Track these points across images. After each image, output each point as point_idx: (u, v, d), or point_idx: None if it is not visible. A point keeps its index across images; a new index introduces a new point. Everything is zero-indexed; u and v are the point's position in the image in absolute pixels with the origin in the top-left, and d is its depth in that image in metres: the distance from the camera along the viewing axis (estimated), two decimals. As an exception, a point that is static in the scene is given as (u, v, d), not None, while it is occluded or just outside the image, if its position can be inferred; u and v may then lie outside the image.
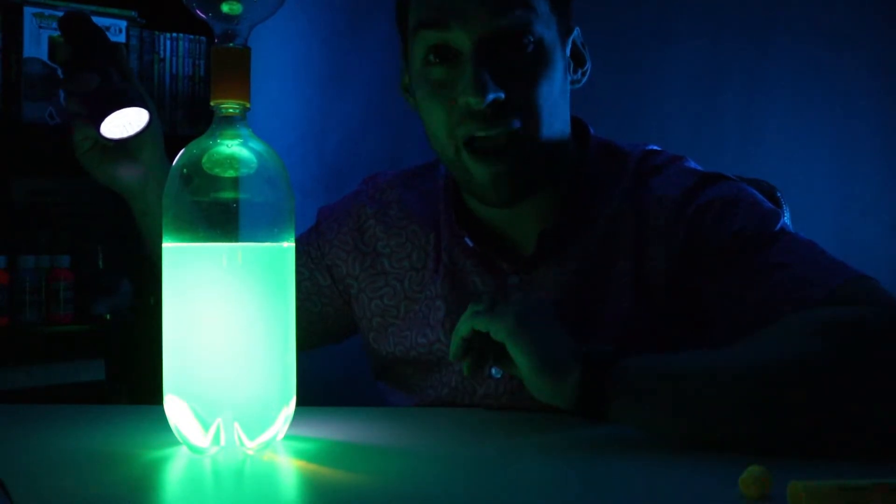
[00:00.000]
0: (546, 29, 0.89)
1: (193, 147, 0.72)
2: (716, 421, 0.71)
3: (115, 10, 1.89)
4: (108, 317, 1.93)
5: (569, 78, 0.95)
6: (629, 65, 2.13)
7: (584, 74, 0.98)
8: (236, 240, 0.69)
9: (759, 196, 0.94)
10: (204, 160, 0.71)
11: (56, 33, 1.78)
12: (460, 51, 0.87)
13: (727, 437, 0.70)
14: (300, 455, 0.72)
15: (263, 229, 0.71)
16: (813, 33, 2.12)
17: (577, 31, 0.97)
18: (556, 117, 0.91)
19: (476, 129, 0.87)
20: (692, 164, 0.99)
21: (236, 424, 0.69)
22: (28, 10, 1.79)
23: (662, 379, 0.73)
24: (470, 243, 0.97)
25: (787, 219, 1.15)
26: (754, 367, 0.72)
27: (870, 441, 0.71)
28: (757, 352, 0.74)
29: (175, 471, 0.68)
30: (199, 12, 0.71)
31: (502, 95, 0.86)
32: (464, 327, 0.79)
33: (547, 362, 0.73)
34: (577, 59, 0.97)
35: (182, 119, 2.00)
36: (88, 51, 0.92)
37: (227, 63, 0.71)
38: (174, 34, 1.99)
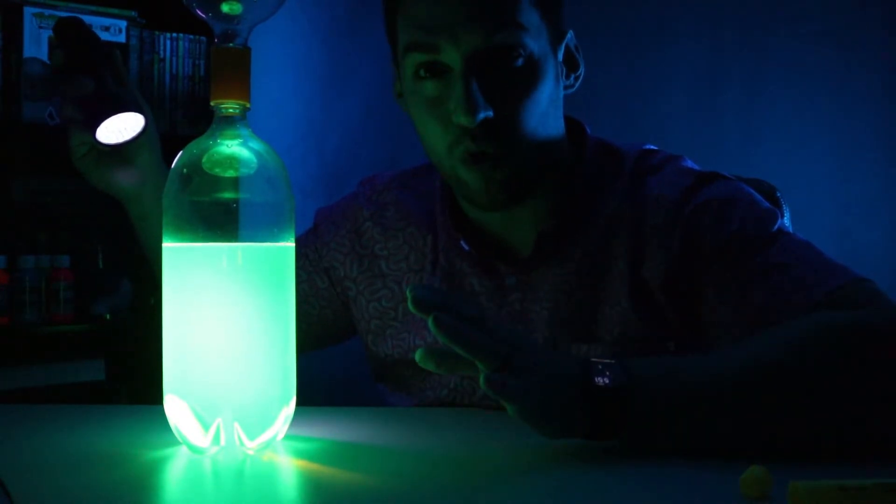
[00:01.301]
0: (537, 41, 0.89)
1: (193, 147, 0.72)
2: (726, 433, 0.71)
3: (115, 10, 1.89)
4: (108, 317, 1.93)
5: (561, 84, 0.95)
6: (629, 65, 2.13)
7: (577, 79, 0.98)
8: (236, 240, 0.69)
9: (757, 195, 0.94)
10: (204, 160, 0.71)
11: (57, 33, 1.78)
12: (451, 66, 0.87)
13: (736, 447, 0.69)
14: (300, 455, 0.72)
15: (263, 229, 0.71)
16: (813, 33, 2.12)
17: (570, 35, 0.96)
18: (546, 127, 0.91)
19: (469, 147, 0.88)
20: (689, 164, 0.99)
21: (236, 424, 0.69)
22: (28, 10, 1.79)
23: (672, 408, 0.70)
24: (466, 247, 0.97)
25: (787, 219, 1.15)
26: (759, 375, 0.71)
27: (870, 442, 0.71)
28: (761, 360, 0.72)
29: (175, 471, 0.68)
30: (199, 12, 0.71)
31: (491, 114, 0.86)
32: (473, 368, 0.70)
33: (550, 422, 0.69)
34: (570, 64, 0.97)
35: (182, 119, 2.00)
36: (82, 56, 0.91)
37: (227, 63, 0.71)
38: (174, 34, 1.99)
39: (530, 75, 0.89)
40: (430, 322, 0.65)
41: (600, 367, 0.70)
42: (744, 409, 0.71)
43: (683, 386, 0.71)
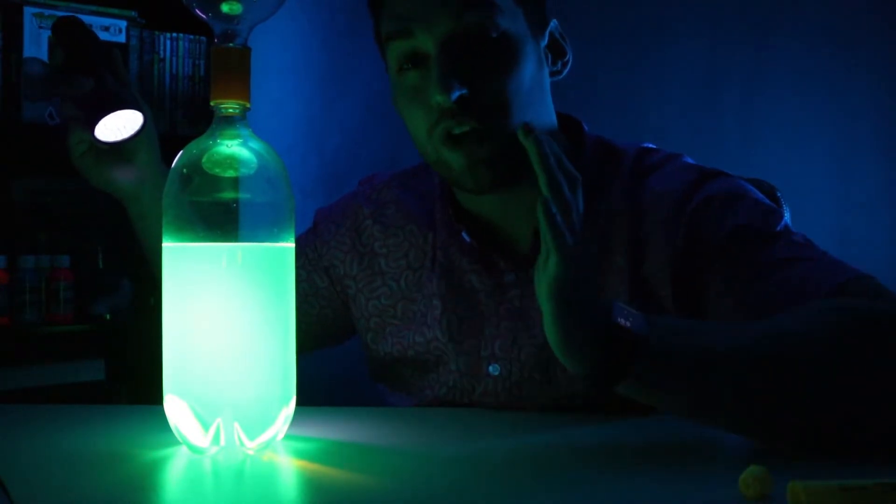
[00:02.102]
0: (511, 22, 0.90)
1: (193, 147, 0.72)
2: (738, 409, 0.70)
3: (115, 10, 1.89)
4: (108, 317, 1.93)
5: (546, 70, 0.95)
6: (629, 64, 2.13)
7: (564, 65, 0.98)
8: (236, 240, 0.69)
9: (759, 194, 0.94)
10: (204, 160, 0.71)
11: (56, 33, 1.79)
12: (428, 53, 0.89)
13: (747, 424, 0.69)
14: (300, 455, 0.72)
15: (263, 229, 0.71)
16: (813, 33, 2.13)
17: (554, 23, 0.98)
18: (528, 108, 0.91)
19: (451, 126, 0.88)
20: (690, 161, 0.99)
21: (236, 424, 0.69)
22: (28, 10, 1.79)
23: (683, 365, 0.70)
24: (467, 238, 0.97)
25: (787, 219, 1.15)
26: (779, 355, 0.71)
27: (880, 435, 0.70)
28: (782, 339, 0.72)
29: (175, 471, 0.68)
30: (199, 12, 0.71)
31: (466, 91, 0.87)
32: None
33: (568, 338, 0.69)
34: (556, 51, 0.98)
35: (182, 119, 2.00)
36: (81, 55, 0.92)
37: (227, 63, 0.71)
38: (174, 34, 1.99)
39: (506, 53, 0.89)
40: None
41: (626, 311, 0.70)
42: (766, 390, 0.70)
43: (700, 347, 0.71)
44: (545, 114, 0.95)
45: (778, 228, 0.89)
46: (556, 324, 0.68)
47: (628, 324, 0.69)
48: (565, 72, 0.98)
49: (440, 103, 0.87)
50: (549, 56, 0.96)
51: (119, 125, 0.93)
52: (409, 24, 0.88)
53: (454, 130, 0.88)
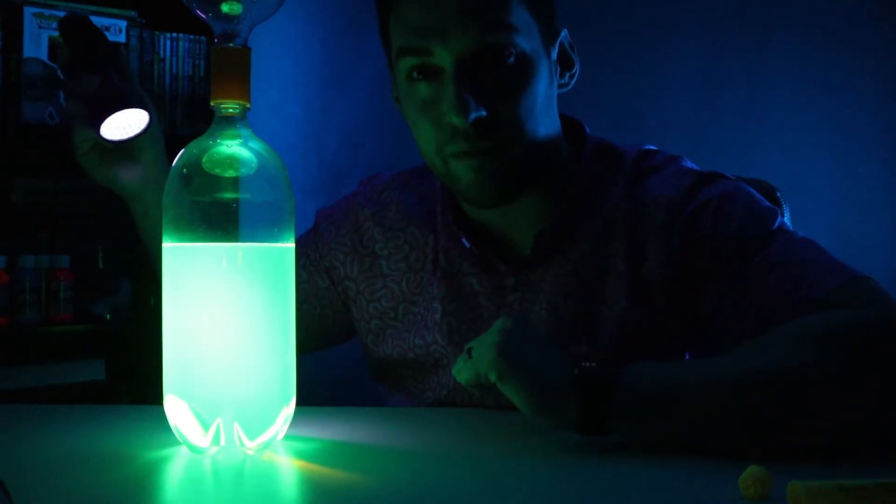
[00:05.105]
0: (528, 40, 0.89)
1: (193, 147, 0.72)
2: (719, 436, 0.71)
3: (115, 10, 1.89)
4: (108, 317, 1.93)
5: (555, 83, 0.95)
6: (629, 65, 2.13)
7: (572, 77, 0.98)
8: (236, 240, 0.69)
9: (757, 194, 0.94)
10: (204, 160, 0.71)
11: (56, 33, 1.79)
12: (443, 68, 0.88)
13: (731, 449, 0.70)
14: (300, 455, 0.72)
15: (263, 229, 0.71)
16: (813, 33, 2.12)
17: (564, 34, 0.97)
18: (540, 126, 0.91)
19: (463, 147, 0.88)
20: (689, 164, 0.99)
21: (236, 424, 0.69)
22: (28, 10, 1.79)
23: (664, 399, 0.72)
24: (467, 244, 0.97)
25: (787, 219, 1.15)
26: (757, 381, 0.72)
27: (872, 442, 0.71)
28: (758, 364, 0.73)
29: (175, 471, 0.68)
30: (199, 12, 0.71)
31: (484, 114, 0.86)
32: (461, 378, 0.79)
33: (542, 397, 0.72)
34: (564, 62, 0.97)
35: (182, 119, 2.00)
36: (88, 53, 0.92)
37: (227, 63, 0.71)
38: (174, 34, 1.99)
39: (523, 74, 0.89)
40: None
41: (590, 364, 0.74)
42: (747, 420, 0.71)
43: (677, 391, 0.72)
44: (552, 125, 0.94)
45: (773, 229, 0.89)
46: (523, 394, 0.73)
47: (594, 373, 0.72)
48: (572, 83, 0.98)
49: (456, 125, 0.86)
50: (559, 69, 0.96)
51: (124, 124, 0.93)
52: (425, 42, 0.87)
53: (465, 150, 0.88)
